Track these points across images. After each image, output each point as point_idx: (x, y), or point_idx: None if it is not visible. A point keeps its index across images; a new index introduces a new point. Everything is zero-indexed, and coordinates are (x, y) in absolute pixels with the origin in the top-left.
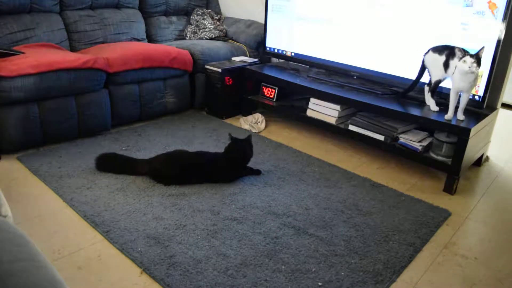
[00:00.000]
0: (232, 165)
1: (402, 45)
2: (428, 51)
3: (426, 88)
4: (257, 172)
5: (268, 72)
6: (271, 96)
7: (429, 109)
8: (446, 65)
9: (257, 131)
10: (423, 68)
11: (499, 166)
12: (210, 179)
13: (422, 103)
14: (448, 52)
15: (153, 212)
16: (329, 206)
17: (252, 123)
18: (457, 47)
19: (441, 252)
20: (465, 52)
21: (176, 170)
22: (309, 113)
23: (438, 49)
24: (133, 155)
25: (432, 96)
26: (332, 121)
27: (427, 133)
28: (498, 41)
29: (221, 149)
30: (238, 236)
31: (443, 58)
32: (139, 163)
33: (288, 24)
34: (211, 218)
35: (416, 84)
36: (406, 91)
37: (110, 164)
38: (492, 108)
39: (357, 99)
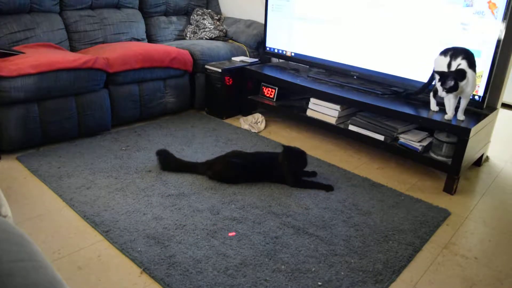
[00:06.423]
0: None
1: (402, 45)
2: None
3: (432, 93)
4: (328, 188)
5: (268, 72)
6: (271, 96)
7: (429, 109)
8: (449, 66)
9: (257, 131)
10: (433, 74)
11: (499, 166)
12: (269, 179)
13: (422, 103)
14: (452, 52)
15: (153, 212)
16: (328, 206)
17: (252, 123)
18: (461, 48)
19: (441, 252)
20: (466, 55)
21: (236, 172)
22: (309, 113)
23: (444, 52)
24: (132, 155)
25: (434, 96)
26: (332, 121)
27: (427, 133)
28: (498, 41)
29: (220, 148)
30: (238, 236)
31: (447, 59)
32: (199, 166)
33: (288, 24)
34: (210, 218)
35: (425, 88)
36: (414, 94)
37: (172, 166)
38: (492, 108)
39: (357, 99)
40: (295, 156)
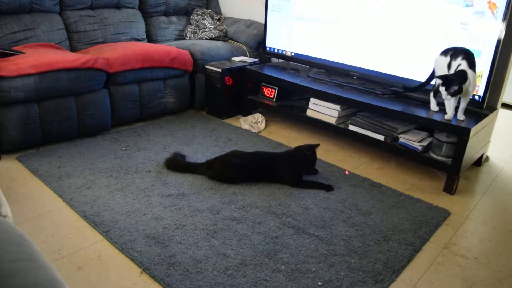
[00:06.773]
0: (292, 168)
1: (402, 45)
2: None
3: (432, 94)
4: (328, 188)
5: (268, 72)
6: (271, 96)
7: (429, 109)
8: (449, 66)
9: (257, 131)
10: (433, 73)
11: (499, 166)
12: (269, 179)
13: (422, 103)
14: (452, 53)
15: (153, 212)
16: (328, 206)
17: (252, 123)
18: (461, 48)
19: (441, 252)
20: (466, 55)
21: (236, 172)
22: (309, 113)
23: (444, 52)
24: (132, 155)
25: (435, 96)
26: (332, 121)
27: (427, 133)
28: (498, 41)
29: (220, 148)
30: (238, 236)
31: (447, 59)
32: (199, 166)
33: (288, 24)
34: (210, 218)
35: (423, 86)
36: (411, 90)
37: (176, 167)
38: (492, 108)
39: (357, 99)
40: (313, 153)
